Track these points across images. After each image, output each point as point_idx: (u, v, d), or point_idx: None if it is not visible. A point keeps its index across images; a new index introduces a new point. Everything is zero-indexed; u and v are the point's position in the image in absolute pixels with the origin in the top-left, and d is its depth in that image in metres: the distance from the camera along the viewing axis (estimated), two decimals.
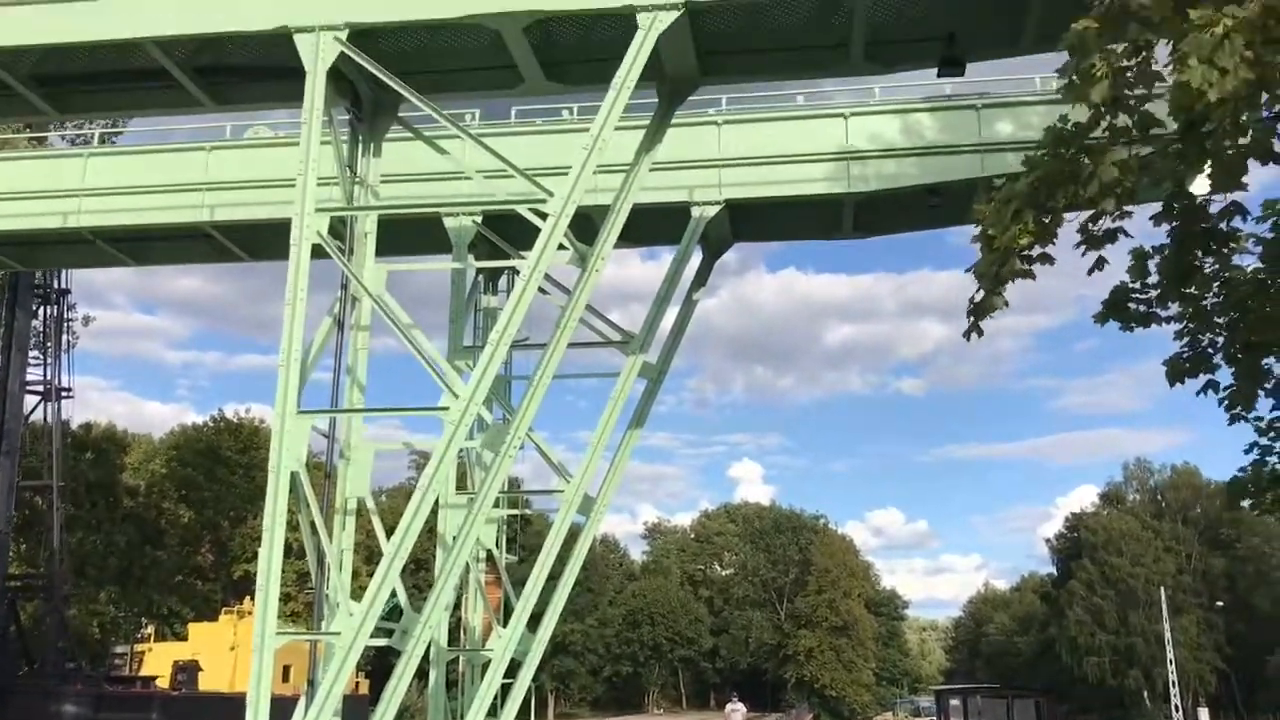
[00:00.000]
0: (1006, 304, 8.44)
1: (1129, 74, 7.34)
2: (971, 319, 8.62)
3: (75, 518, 50.12)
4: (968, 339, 8.71)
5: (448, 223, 18.14)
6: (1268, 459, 10.30)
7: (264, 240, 19.91)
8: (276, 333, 12.53)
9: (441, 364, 12.88)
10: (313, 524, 12.81)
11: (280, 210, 15.63)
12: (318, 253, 12.76)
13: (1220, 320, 9.54)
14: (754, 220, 19.43)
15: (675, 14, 12.16)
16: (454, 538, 13.30)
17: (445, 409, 12.15)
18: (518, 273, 13.06)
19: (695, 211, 18.09)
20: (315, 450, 16.24)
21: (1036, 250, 8.15)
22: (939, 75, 13.77)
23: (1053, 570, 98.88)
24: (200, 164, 19.69)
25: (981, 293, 8.44)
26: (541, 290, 14.85)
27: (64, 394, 41.49)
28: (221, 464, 63.50)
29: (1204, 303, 9.42)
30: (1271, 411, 10.08)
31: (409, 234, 18.30)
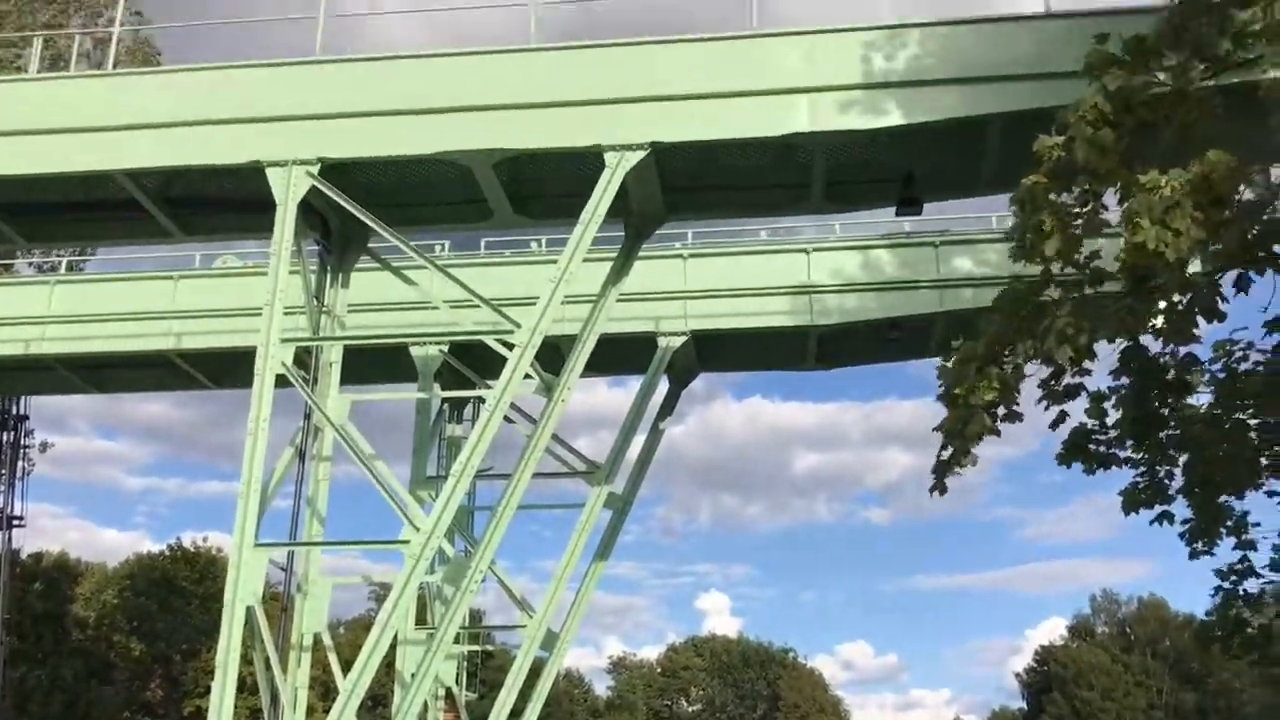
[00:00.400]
0: (975, 462, 8.47)
1: (1076, 225, 7.57)
2: (936, 475, 8.68)
3: (20, 651, 48.32)
4: (932, 495, 8.77)
5: (414, 351, 18.18)
6: (1233, 602, 10.25)
7: (229, 368, 19.84)
8: (239, 459, 12.38)
9: (404, 496, 12.76)
10: (267, 660, 12.45)
11: (246, 339, 15.63)
12: (282, 381, 12.71)
13: (1176, 456, 9.63)
14: (719, 351, 19.64)
15: (642, 154, 12.49)
16: (412, 675, 12.96)
17: (406, 542, 11.97)
18: (483, 402, 13.07)
19: (661, 342, 18.28)
20: (273, 580, 15.92)
21: (1002, 410, 8.25)
22: (897, 214, 14.16)
23: (1023, 705, 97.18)
24: (167, 293, 19.73)
25: (948, 450, 8.49)
26: (507, 419, 14.84)
27: (16, 523, 40.48)
28: (177, 594, 61.73)
29: (1160, 436, 9.52)
30: (1234, 550, 10.08)
31: (375, 362, 18.32)
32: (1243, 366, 9.41)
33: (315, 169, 13.01)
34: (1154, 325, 8.29)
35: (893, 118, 12.14)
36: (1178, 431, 9.62)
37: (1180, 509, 9.79)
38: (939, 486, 8.73)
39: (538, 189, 14.23)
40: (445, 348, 17.93)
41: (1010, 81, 11.91)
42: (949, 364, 8.40)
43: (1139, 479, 9.86)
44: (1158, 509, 9.77)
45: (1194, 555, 9.90)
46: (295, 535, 13.50)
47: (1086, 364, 8.33)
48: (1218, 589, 10.32)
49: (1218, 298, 8.02)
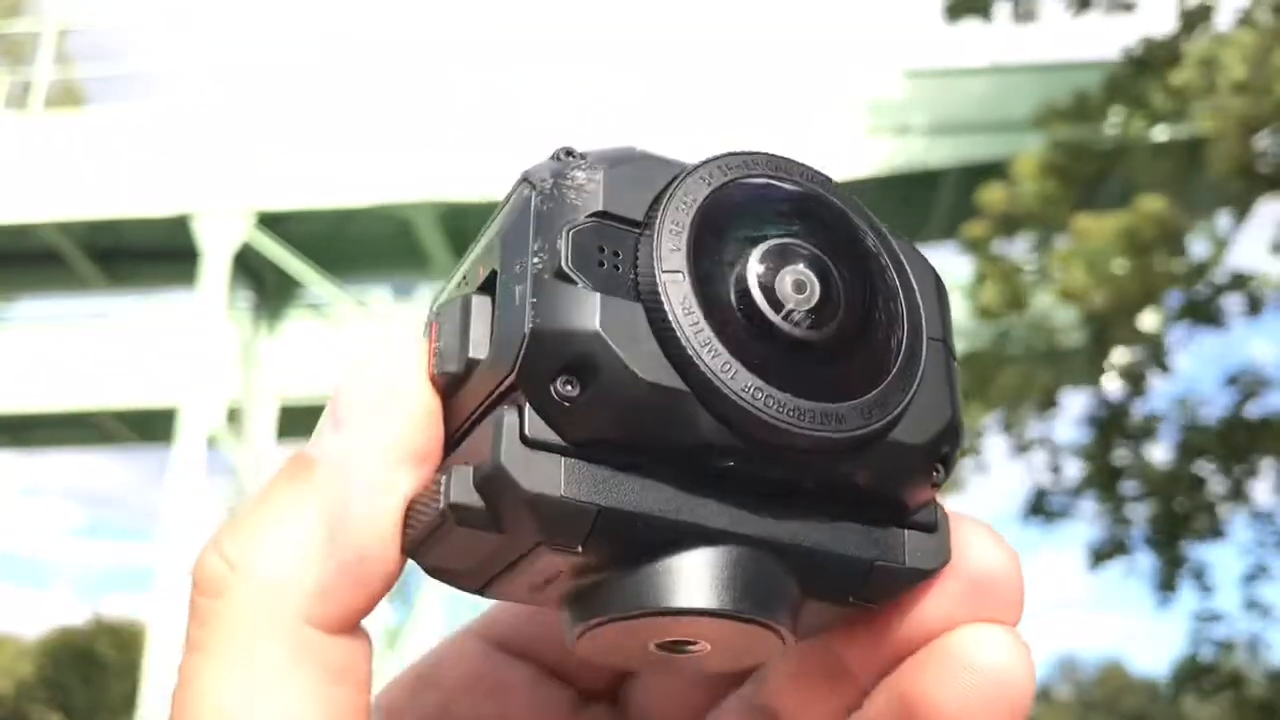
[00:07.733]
0: None
1: (1021, 275, 7.74)
2: None
3: None
4: None
5: None
6: (1204, 646, 10.13)
7: (155, 425, 19.13)
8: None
9: None
10: None
11: (173, 394, 15.07)
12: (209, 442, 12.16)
13: (1136, 508, 9.60)
14: None
15: None
16: None
17: None
18: None
19: None
20: None
21: (970, 463, 8.29)
22: None
23: None
24: (92, 346, 19.01)
25: None
26: None
27: None
28: (97, 666, 59.47)
29: (1121, 484, 9.50)
30: (1198, 592, 9.97)
31: (309, 417, 17.78)
32: (1200, 420, 9.39)
33: (251, 219, 12.58)
34: (1110, 376, 8.38)
35: (845, 167, 12.01)
36: (1137, 483, 9.61)
37: (1143, 562, 9.73)
38: None
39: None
40: None
41: (965, 133, 11.86)
42: None
43: (1103, 533, 9.83)
44: (1123, 560, 9.73)
45: (1162, 602, 9.80)
46: None
47: (1048, 414, 8.40)
48: (1190, 637, 10.20)
49: (1166, 352, 8.18)
